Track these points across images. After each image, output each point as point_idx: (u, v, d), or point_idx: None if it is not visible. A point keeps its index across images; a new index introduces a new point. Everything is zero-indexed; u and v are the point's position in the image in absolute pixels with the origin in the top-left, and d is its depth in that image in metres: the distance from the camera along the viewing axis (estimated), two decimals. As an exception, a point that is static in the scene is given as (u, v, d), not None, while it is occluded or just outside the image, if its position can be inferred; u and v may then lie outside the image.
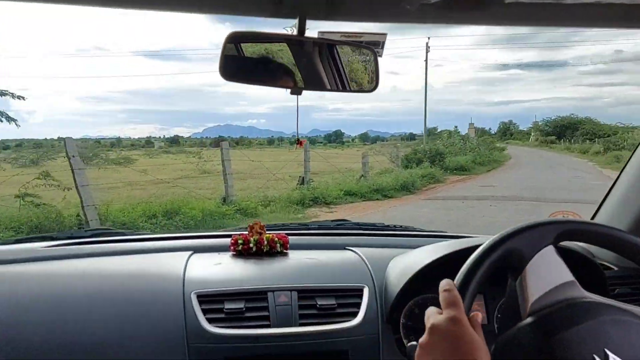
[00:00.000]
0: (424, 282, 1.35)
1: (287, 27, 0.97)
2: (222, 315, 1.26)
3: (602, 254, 1.64)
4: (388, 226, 2.10)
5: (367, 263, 1.48)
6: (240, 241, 1.55)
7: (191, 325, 1.24)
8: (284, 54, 1.04)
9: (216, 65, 0.98)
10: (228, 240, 1.58)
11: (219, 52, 0.98)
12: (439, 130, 28.96)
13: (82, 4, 0.87)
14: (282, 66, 1.04)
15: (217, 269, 1.47)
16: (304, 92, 1.05)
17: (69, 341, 1.19)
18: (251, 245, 1.55)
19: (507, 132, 73.30)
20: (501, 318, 1.41)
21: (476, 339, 0.75)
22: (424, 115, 30.26)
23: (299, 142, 1.19)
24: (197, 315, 1.25)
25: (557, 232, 0.90)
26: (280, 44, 1.05)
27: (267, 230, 1.62)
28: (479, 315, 0.81)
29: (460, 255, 1.04)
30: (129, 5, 0.91)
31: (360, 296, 1.36)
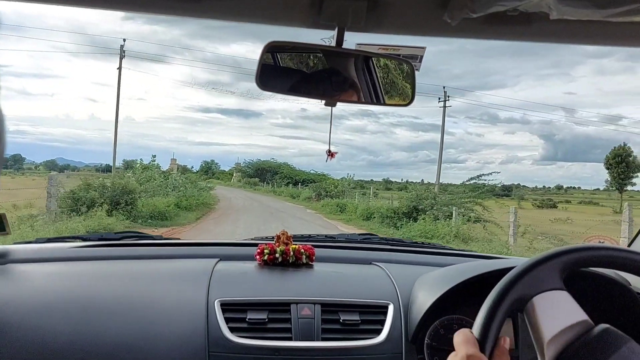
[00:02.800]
0: (451, 302, 1.32)
1: (324, 37, 0.97)
2: (245, 325, 1.26)
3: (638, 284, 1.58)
4: (416, 243, 2.07)
5: (393, 279, 1.46)
6: (266, 251, 1.54)
7: (213, 333, 1.23)
8: (320, 65, 1.03)
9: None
10: (254, 249, 1.57)
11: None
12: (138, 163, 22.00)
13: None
14: (318, 77, 1.04)
15: (243, 277, 1.47)
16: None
17: (91, 343, 1.19)
18: (277, 255, 1.54)
19: (209, 171, 73.70)
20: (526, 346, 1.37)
21: None
22: (114, 142, 23.30)
23: (330, 154, 1.17)
24: (220, 324, 1.24)
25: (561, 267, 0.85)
26: (317, 55, 1.04)
27: (294, 241, 1.61)
28: (507, 340, 0.79)
29: (489, 278, 1.01)
30: (180, 12, 0.92)
31: (385, 313, 1.34)
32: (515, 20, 0.86)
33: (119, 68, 24.25)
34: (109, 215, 11.64)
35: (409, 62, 1.05)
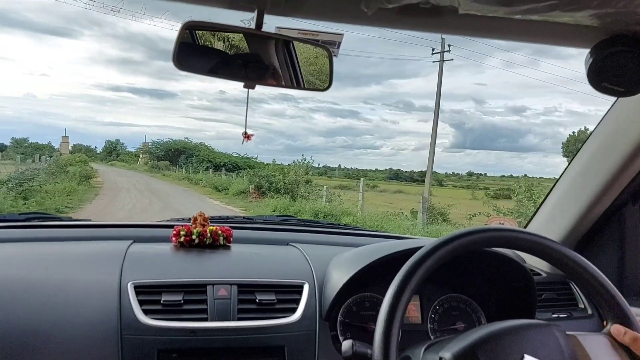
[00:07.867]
0: (363, 281, 1.38)
1: (244, 19, 0.96)
2: (159, 307, 1.24)
3: (533, 261, 1.73)
4: (332, 224, 2.12)
5: (309, 260, 1.49)
6: (182, 232, 1.52)
7: (125, 316, 1.21)
8: (240, 47, 1.03)
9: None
10: (170, 231, 1.54)
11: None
12: (29, 143, 15.75)
13: None
14: (238, 59, 1.03)
15: (157, 259, 1.44)
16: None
17: None
18: (193, 237, 1.52)
19: (114, 151, 66.26)
20: (436, 319, 1.46)
21: None
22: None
23: (247, 136, 1.17)
24: (133, 306, 1.22)
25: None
26: (238, 36, 1.03)
27: (211, 222, 1.60)
28: None
29: (400, 257, 1.07)
30: None
31: (300, 292, 1.37)
32: (427, 12, 0.90)
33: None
34: None
35: (327, 48, 1.07)
